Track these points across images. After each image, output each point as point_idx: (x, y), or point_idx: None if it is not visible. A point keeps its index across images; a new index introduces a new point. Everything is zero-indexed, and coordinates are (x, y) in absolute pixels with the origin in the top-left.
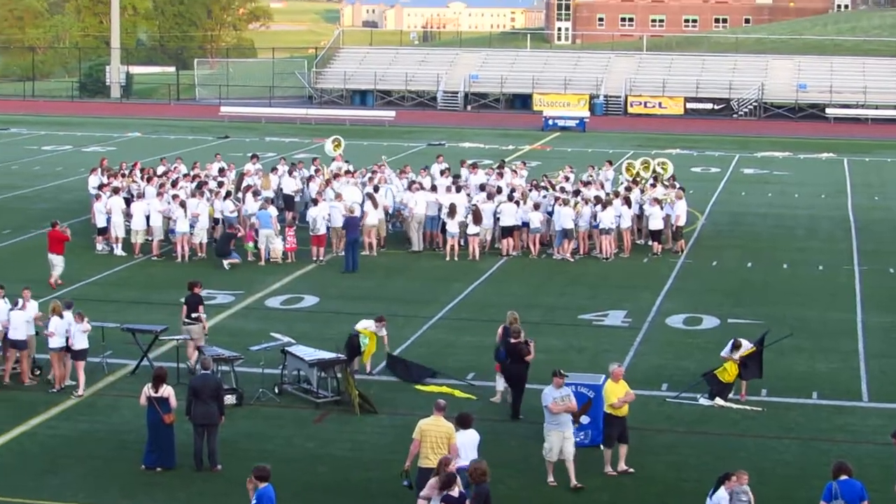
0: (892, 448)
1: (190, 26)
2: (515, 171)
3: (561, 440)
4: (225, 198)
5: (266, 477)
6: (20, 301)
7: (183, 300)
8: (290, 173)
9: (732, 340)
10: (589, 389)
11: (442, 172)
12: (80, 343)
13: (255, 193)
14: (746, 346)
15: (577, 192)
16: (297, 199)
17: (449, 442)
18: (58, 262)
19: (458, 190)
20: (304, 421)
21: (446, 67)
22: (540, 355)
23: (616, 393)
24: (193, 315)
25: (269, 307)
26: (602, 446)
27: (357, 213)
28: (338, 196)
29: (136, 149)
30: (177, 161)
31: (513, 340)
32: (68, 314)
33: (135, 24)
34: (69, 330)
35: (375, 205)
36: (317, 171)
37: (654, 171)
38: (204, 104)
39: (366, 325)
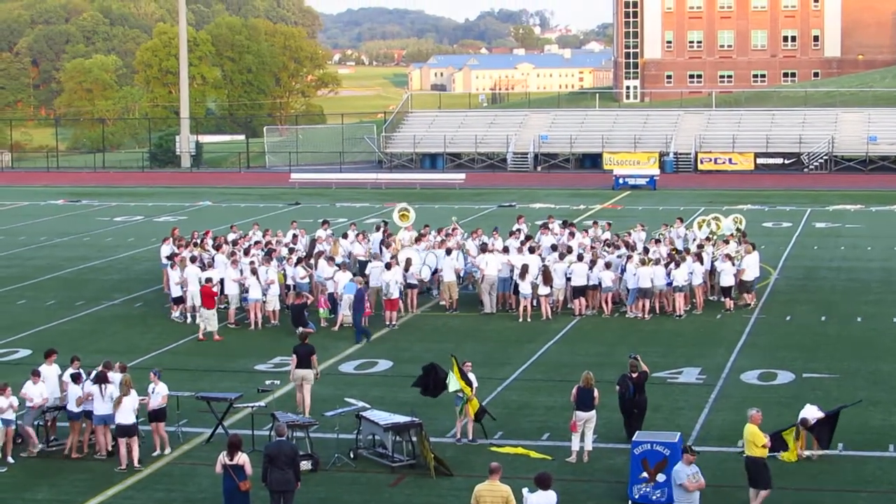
0: None
1: (258, 94)
2: (586, 231)
3: None
4: (296, 264)
5: None
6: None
7: (293, 351)
8: (358, 238)
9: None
10: (664, 447)
11: (511, 233)
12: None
13: (329, 259)
14: (813, 416)
15: (646, 251)
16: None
17: None
18: (208, 316)
19: (531, 251)
20: (380, 485)
21: (516, 129)
22: (617, 414)
23: (759, 435)
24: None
25: (343, 372)
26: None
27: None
28: (393, 260)
29: (207, 218)
30: (254, 227)
31: (634, 375)
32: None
33: (204, 93)
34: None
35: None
36: (389, 235)
37: (738, 229)
38: (274, 171)
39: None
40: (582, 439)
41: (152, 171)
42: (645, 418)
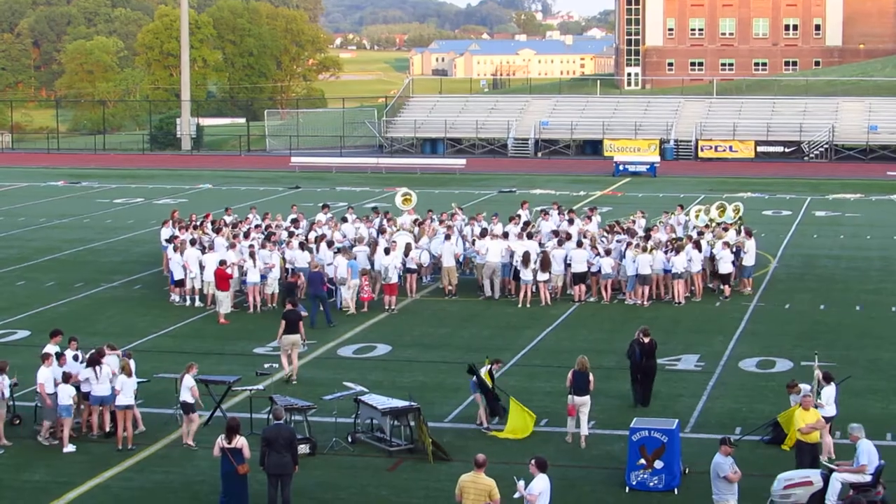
0: None
1: (259, 78)
2: (589, 218)
3: None
4: (298, 247)
5: None
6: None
7: (282, 317)
8: (355, 222)
9: (789, 382)
10: (662, 434)
11: (511, 218)
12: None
13: (329, 244)
14: (805, 389)
15: (647, 237)
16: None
17: (490, 498)
18: (222, 298)
19: (530, 237)
20: (378, 469)
21: (516, 114)
22: (615, 400)
23: (806, 419)
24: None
25: (342, 356)
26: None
27: (323, 269)
28: (393, 245)
29: (207, 200)
30: (251, 211)
31: (646, 340)
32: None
33: (205, 76)
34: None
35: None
36: (389, 220)
37: (740, 220)
38: (274, 155)
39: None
40: (577, 425)
41: (153, 153)
42: (652, 392)
